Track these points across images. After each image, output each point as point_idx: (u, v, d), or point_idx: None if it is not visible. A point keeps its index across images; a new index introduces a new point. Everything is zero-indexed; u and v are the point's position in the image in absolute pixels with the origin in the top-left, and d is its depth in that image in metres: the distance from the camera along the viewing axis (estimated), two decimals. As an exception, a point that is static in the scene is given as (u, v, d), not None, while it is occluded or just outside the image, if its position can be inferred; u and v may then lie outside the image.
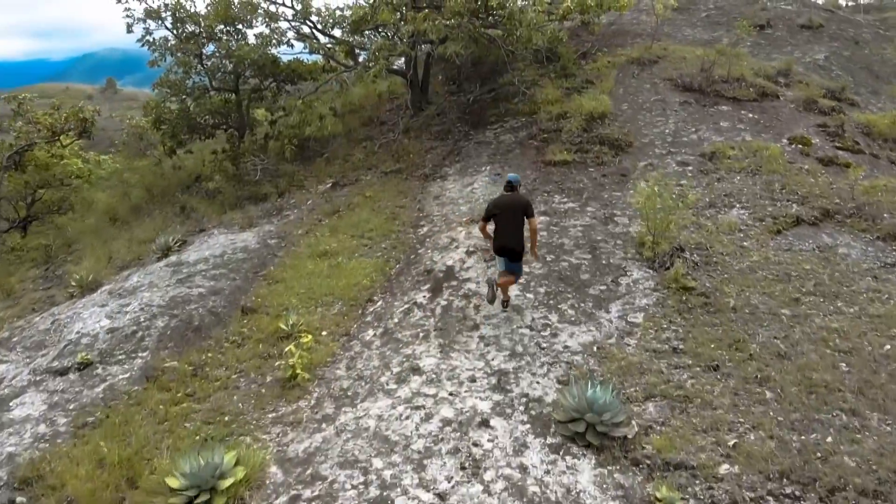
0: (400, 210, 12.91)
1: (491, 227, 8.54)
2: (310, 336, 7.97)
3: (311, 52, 18.84)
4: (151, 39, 17.46)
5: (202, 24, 17.81)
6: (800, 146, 13.51)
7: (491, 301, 8.51)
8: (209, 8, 17.96)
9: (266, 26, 17.29)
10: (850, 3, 29.40)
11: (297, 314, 9.26)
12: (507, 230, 8.33)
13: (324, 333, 8.81)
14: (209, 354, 8.79)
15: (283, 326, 8.78)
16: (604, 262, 9.83)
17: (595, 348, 8.01)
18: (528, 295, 9.10)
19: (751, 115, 14.83)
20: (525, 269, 9.60)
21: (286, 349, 7.85)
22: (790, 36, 19.32)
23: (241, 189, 15.65)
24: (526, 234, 8.52)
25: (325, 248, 11.48)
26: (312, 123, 17.42)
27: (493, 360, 7.74)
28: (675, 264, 9.56)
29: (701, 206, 11.49)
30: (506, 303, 8.83)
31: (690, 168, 12.88)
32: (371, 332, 8.71)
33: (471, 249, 10.42)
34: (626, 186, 12.34)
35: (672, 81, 16.31)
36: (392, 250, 11.25)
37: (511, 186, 8.64)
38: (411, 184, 14.19)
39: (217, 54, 17.95)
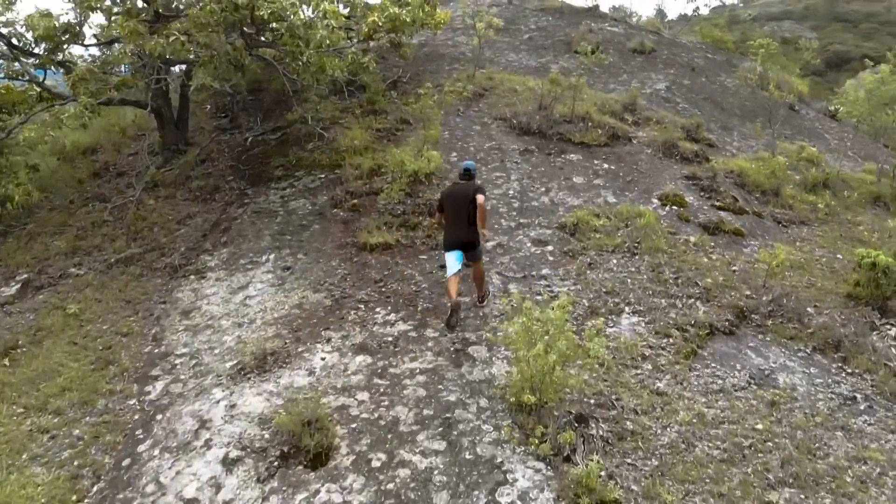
0: (122, 342, 7.89)
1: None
2: None
3: (7, 77, 12.90)
4: None
5: None
6: (675, 208, 10.70)
7: (452, 328, 7.33)
8: None
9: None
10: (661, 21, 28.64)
11: None
12: (458, 222, 7.55)
13: None
14: None
15: None
16: (468, 454, 5.79)
17: None
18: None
19: (606, 166, 11.85)
20: (339, 499, 5.30)
21: None
22: (623, 62, 17.05)
23: None
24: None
25: (-39, 448, 6.21)
26: (9, 177, 11.53)
27: None
28: (579, 451, 5.84)
29: (579, 315, 8.00)
30: (482, 298, 8.00)
31: (551, 249, 9.43)
32: None
33: (235, 454, 5.82)
34: (475, 285, 8.53)
35: (506, 122, 12.95)
36: (90, 445, 6.27)
37: (469, 175, 7.87)
38: (149, 284, 9.17)
39: None
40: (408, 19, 10.07)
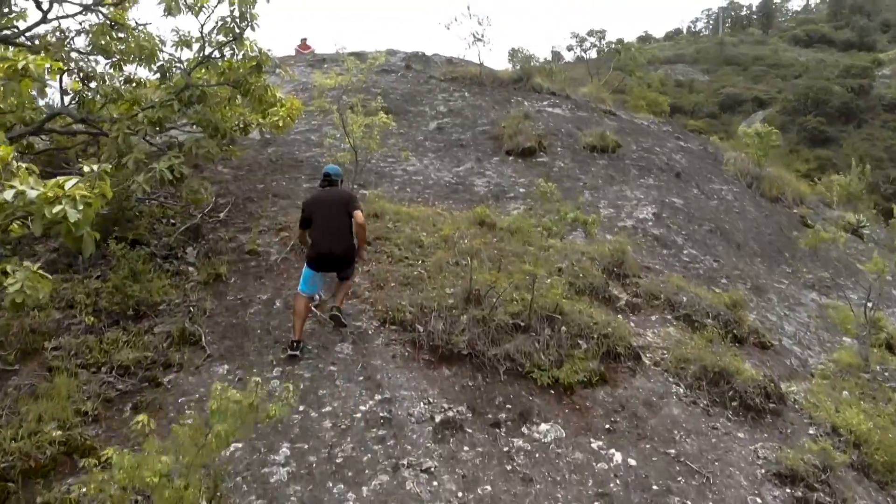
0: None
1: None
2: None
3: None
4: None
5: None
6: None
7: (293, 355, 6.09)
8: None
9: None
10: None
11: None
12: (330, 232, 6.27)
13: None
14: None
15: None
16: None
17: None
18: None
19: (619, 458, 5.60)
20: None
21: None
22: (580, 168, 11.00)
23: None
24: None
25: None
26: None
27: None
28: None
29: None
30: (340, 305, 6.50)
31: None
32: None
33: None
34: None
35: (404, 331, 6.46)
36: None
37: (330, 180, 6.60)
38: None
39: None
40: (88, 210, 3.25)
